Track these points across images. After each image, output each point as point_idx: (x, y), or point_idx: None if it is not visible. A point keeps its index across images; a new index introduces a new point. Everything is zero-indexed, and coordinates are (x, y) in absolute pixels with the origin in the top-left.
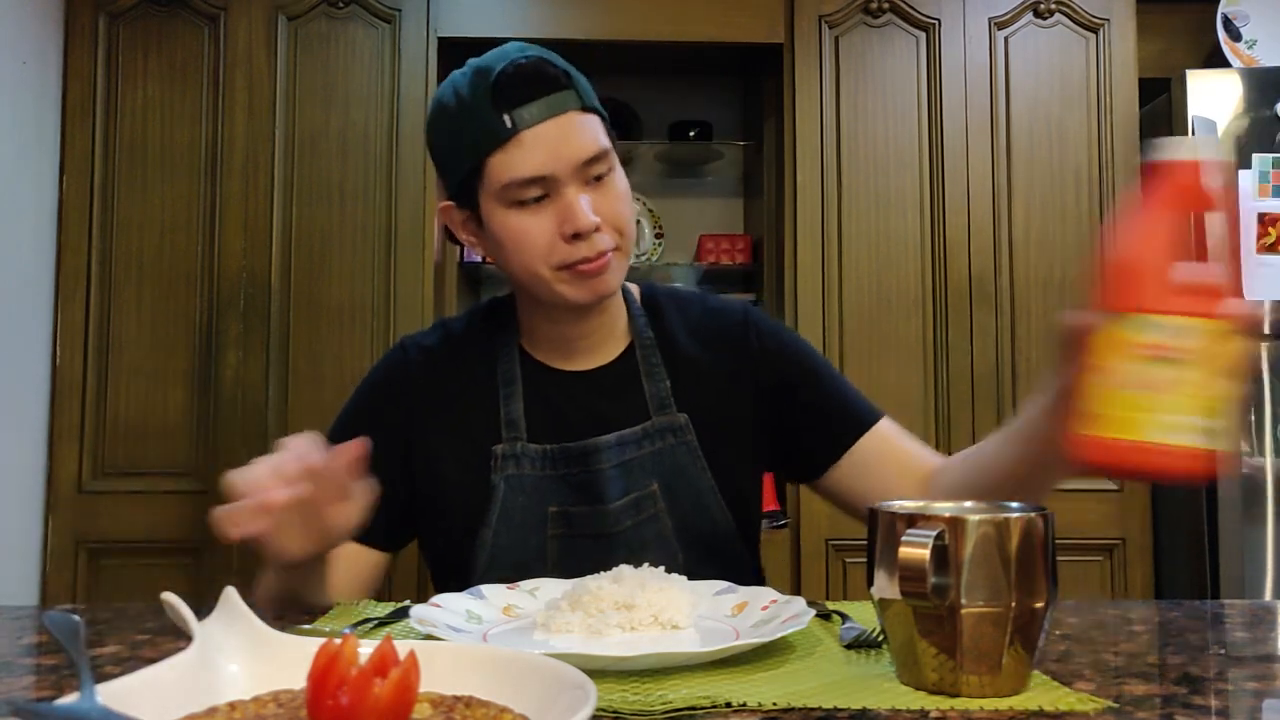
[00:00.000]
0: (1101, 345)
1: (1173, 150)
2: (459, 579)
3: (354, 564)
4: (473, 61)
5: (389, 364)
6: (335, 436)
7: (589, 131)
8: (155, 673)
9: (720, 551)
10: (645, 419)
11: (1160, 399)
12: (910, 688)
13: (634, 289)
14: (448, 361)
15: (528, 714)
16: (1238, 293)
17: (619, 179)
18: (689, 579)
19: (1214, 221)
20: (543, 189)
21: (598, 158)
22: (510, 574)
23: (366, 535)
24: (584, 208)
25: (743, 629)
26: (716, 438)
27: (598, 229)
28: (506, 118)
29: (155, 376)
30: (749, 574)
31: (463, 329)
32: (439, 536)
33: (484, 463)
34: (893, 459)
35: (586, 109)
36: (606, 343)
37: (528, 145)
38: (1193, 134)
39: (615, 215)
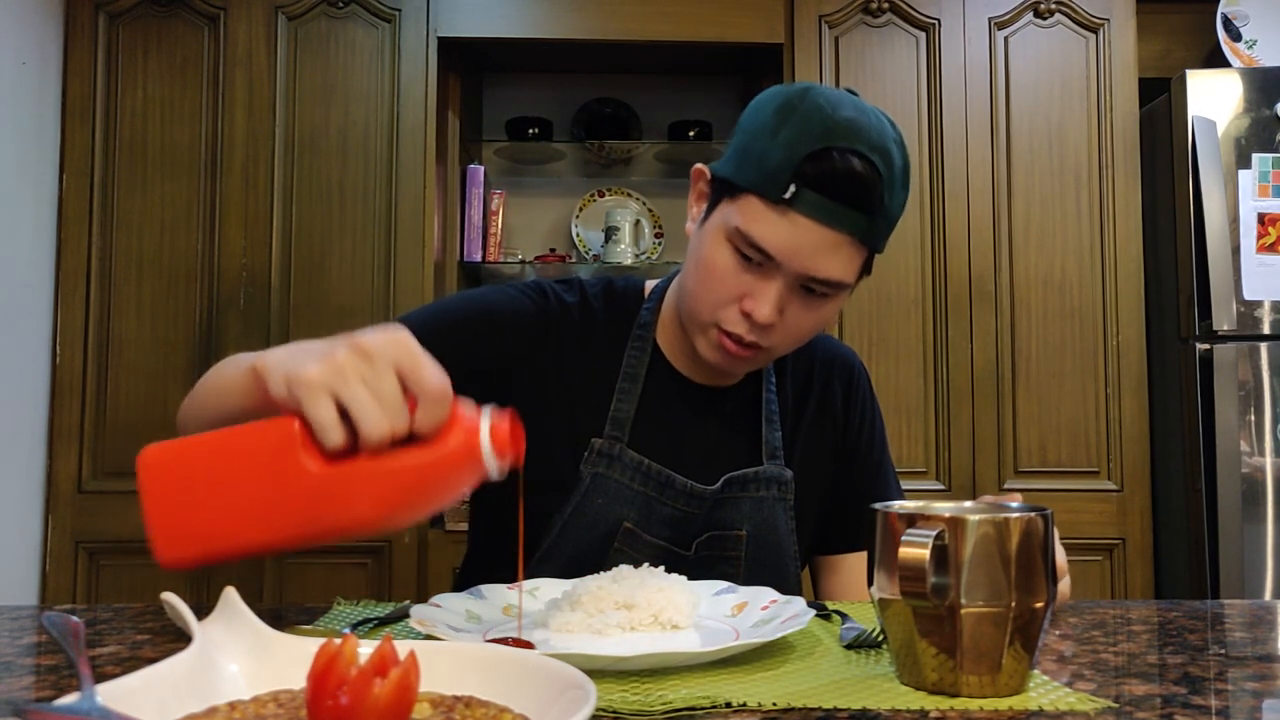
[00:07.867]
0: None
1: None
2: (505, 556)
3: None
4: (831, 100)
5: (523, 297)
6: (428, 328)
7: (843, 262)
8: (155, 673)
9: None
10: (756, 463)
11: None
12: (910, 688)
13: None
14: (582, 328)
15: (528, 714)
16: None
17: (829, 307)
18: None
19: None
20: (762, 259)
21: (827, 285)
22: (564, 567)
23: None
24: (773, 302)
25: (743, 629)
26: (807, 498)
27: (769, 327)
28: (792, 187)
29: (155, 375)
30: None
31: (601, 302)
32: (505, 504)
33: (578, 449)
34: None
35: (864, 243)
36: None
37: (784, 225)
38: (1192, 134)
39: (794, 332)
